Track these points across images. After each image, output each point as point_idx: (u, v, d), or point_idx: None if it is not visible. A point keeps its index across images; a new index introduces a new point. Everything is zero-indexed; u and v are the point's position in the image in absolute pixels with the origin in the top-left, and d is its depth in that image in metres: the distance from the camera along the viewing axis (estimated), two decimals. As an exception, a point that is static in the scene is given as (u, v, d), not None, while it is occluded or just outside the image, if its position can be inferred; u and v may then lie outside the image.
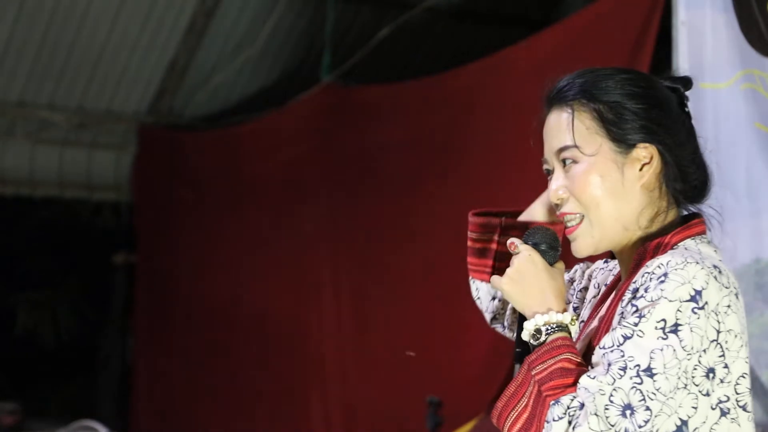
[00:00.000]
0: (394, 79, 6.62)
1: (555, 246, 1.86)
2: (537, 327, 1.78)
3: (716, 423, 1.68)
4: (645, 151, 1.82)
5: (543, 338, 1.77)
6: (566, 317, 1.79)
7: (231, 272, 7.28)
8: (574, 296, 2.09)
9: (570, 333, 1.79)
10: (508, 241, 1.87)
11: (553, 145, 1.86)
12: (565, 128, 1.84)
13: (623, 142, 1.81)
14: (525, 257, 1.82)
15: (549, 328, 1.77)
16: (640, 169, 1.82)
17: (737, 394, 1.70)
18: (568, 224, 1.86)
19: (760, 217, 3.97)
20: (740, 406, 1.70)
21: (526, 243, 1.86)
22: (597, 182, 1.81)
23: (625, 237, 1.84)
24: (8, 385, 9.47)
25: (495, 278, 1.86)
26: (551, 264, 1.85)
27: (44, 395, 10.13)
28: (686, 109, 1.89)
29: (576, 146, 1.83)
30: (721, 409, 1.68)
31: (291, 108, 6.98)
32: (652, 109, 1.82)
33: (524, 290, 1.81)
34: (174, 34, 7.74)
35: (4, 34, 7.34)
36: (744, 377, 1.71)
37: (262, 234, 7.05)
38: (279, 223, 6.92)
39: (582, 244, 1.85)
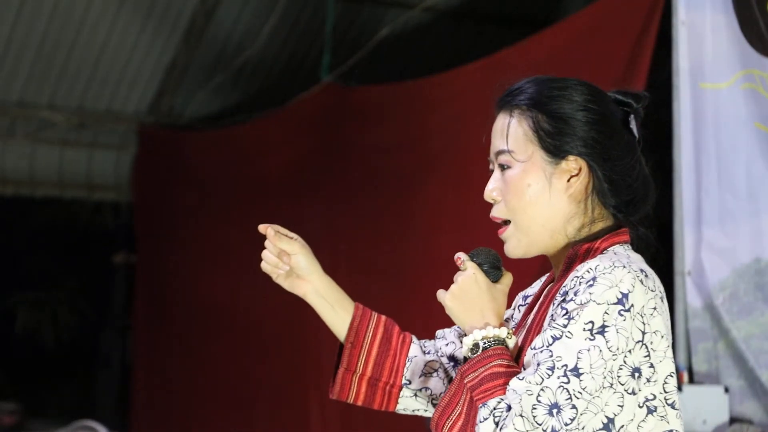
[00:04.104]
0: (394, 79, 6.62)
1: (497, 266, 1.93)
2: (475, 341, 1.84)
3: (643, 420, 1.74)
4: (574, 164, 1.86)
5: (480, 352, 1.83)
6: (503, 331, 1.85)
7: (230, 272, 7.27)
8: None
9: (508, 347, 1.85)
10: (456, 255, 1.93)
11: (494, 147, 1.95)
12: (504, 132, 1.92)
13: (554, 153, 1.86)
14: (469, 275, 1.89)
15: (486, 342, 1.83)
16: (568, 180, 1.87)
17: (665, 392, 1.76)
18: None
19: (760, 217, 3.97)
20: (669, 404, 1.76)
21: (471, 261, 1.92)
22: (524, 189, 1.87)
23: (554, 243, 1.89)
24: (8, 385, 9.49)
25: (440, 292, 1.92)
26: (495, 281, 1.91)
27: (44, 395, 10.15)
28: (630, 126, 1.92)
29: (509, 151, 1.90)
30: (647, 407, 1.74)
31: (291, 108, 6.98)
32: (591, 124, 1.87)
33: (465, 307, 1.88)
34: (174, 34, 7.74)
35: (4, 34, 7.34)
36: (672, 376, 1.77)
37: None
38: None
39: (510, 246, 1.92)
